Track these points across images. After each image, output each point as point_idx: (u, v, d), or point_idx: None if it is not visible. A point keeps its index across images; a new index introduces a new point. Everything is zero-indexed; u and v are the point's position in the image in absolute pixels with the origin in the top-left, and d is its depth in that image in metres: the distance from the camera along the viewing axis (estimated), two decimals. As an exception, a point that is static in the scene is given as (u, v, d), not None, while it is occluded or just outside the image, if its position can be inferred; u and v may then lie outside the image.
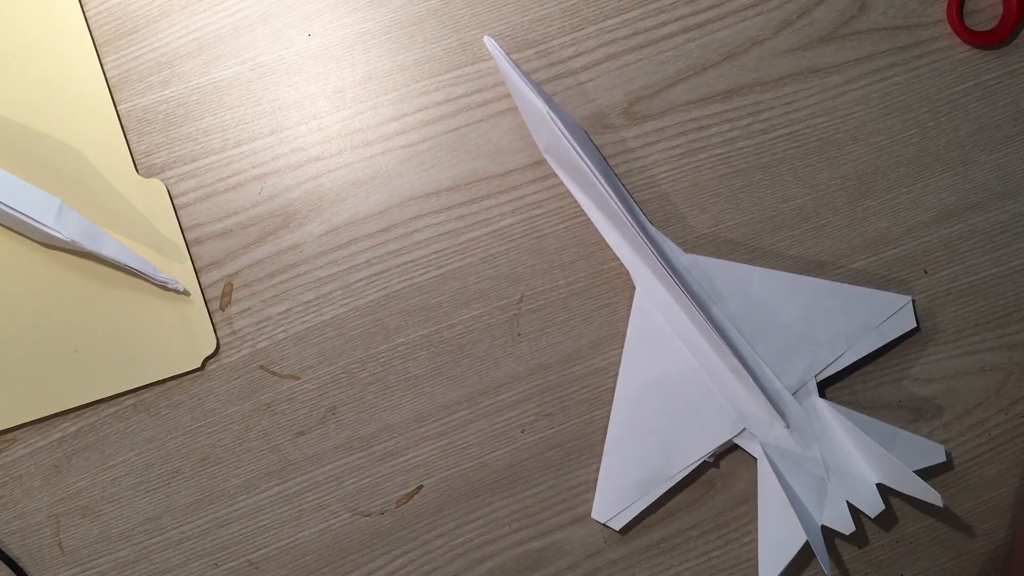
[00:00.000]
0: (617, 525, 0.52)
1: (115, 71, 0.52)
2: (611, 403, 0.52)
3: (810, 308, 0.52)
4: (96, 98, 0.51)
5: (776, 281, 0.52)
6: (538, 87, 0.51)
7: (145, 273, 0.50)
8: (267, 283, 0.52)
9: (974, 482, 0.54)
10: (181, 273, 0.51)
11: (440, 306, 0.53)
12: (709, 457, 0.52)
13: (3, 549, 0.50)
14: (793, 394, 0.51)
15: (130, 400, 0.51)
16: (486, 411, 0.53)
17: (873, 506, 0.51)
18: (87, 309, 0.50)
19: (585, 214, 0.53)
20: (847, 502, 0.51)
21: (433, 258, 0.53)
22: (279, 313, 0.52)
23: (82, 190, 0.51)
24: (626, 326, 0.52)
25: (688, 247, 0.53)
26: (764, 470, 0.51)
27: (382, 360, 0.52)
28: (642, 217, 0.53)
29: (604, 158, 0.53)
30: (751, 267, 0.52)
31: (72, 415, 0.51)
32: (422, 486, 0.52)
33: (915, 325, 0.53)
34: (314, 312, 0.52)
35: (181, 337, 0.51)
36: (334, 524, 0.52)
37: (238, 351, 0.52)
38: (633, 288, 0.52)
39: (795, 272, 0.53)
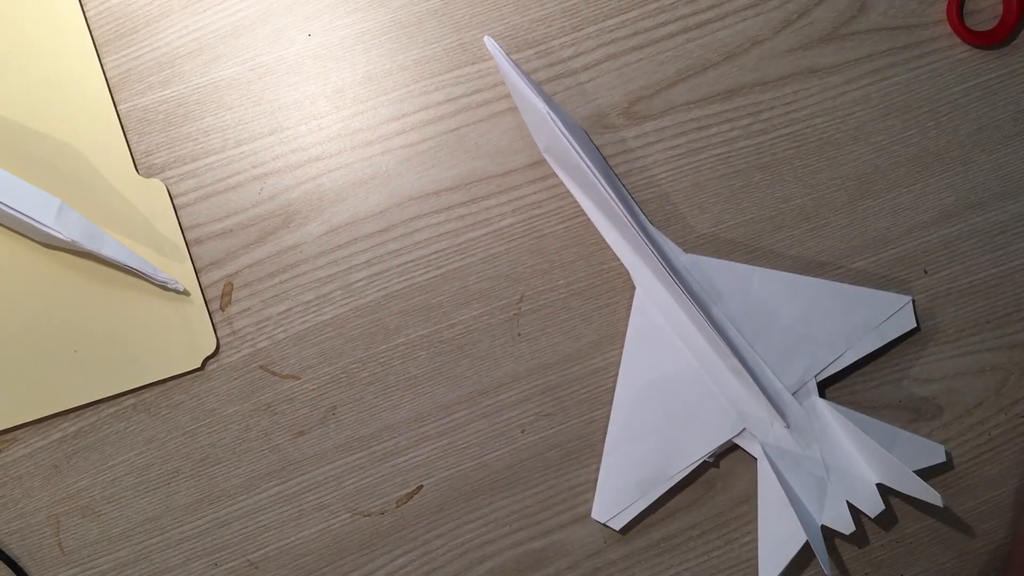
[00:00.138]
0: (617, 525, 0.52)
1: (115, 71, 0.52)
2: (611, 403, 0.52)
3: (810, 308, 0.52)
4: (96, 98, 0.51)
5: (776, 281, 0.52)
6: (538, 87, 0.51)
7: (145, 273, 0.50)
8: (267, 283, 0.52)
9: (974, 482, 0.54)
10: (181, 273, 0.51)
11: (440, 306, 0.53)
12: (709, 457, 0.52)
13: (3, 549, 0.50)
14: (793, 394, 0.51)
15: (130, 400, 0.51)
16: (486, 411, 0.53)
17: (873, 506, 0.51)
18: (87, 309, 0.50)
19: (585, 214, 0.53)
20: (847, 502, 0.51)
21: (433, 258, 0.53)
22: (279, 313, 0.52)
23: (82, 190, 0.51)
24: (626, 326, 0.52)
25: (688, 247, 0.53)
26: (764, 470, 0.51)
27: (382, 360, 0.52)
28: (642, 217, 0.53)
29: (604, 158, 0.53)
30: (751, 267, 0.52)
31: (72, 415, 0.51)
32: (422, 486, 0.52)
33: (915, 325, 0.53)
34: (314, 312, 0.52)
35: (181, 337, 0.51)
36: (334, 524, 0.52)
37: (238, 351, 0.52)
38: (633, 288, 0.52)
39: (795, 272, 0.53)
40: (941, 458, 0.52)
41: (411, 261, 0.52)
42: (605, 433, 0.52)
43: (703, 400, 0.51)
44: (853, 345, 0.52)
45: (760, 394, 0.50)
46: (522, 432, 0.53)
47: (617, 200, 0.48)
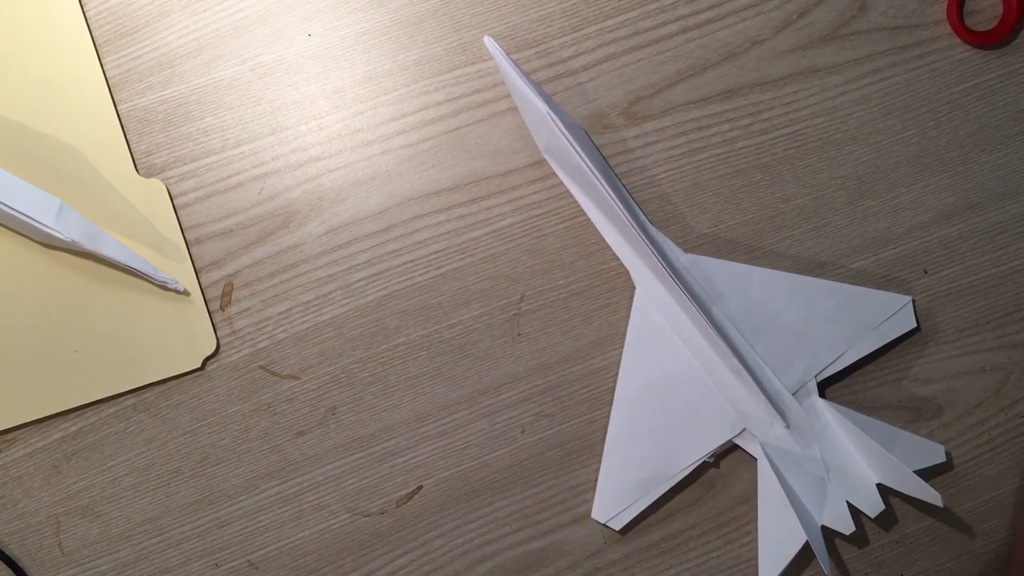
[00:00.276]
0: (617, 525, 0.52)
1: (115, 71, 0.52)
2: (611, 403, 0.52)
3: (810, 308, 0.52)
4: (96, 98, 0.51)
5: (776, 281, 0.52)
6: (538, 87, 0.51)
7: (145, 273, 0.50)
8: (267, 283, 0.52)
9: (974, 482, 0.54)
10: (181, 273, 0.51)
11: (440, 306, 0.53)
12: (709, 457, 0.52)
13: (3, 549, 0.50)
14: (793, 394, 0.51)
15: (130, 400, 0.51)
16: (486, 411, 0.53)
17: (873, 506, 0.51)
18: (87, 309, 0.50)
19: (585, 214, 0.53)
20: (847, 502, 0.51)
21: (433, 258, 0.53)
22: (279, 313, 0.52)
23: (82, 190, 0.51)
24: (626, 326, 0.52)
25: (688, 247, 0.53)
26: (764, 470, 0.51)
27: (382, 360, 0.52)
28: (642, 217, 0.53)
29: (604, 158, 0.53)
30: (751, 267, 0.52)
31: (72, 415, 0.51)
32: (422, 486, 0.52)
33: (915, 325, 0.53)
34: (314, 312, 0.52)
35: (181, 337, 0.51)
36: (334, 524, 0.52)
37: (238, 351, 0.52)
38: (633, 288, 0.52)
39: (795, 272, 0.53)
40: (941, 458, 0.52)
41: (411, 261, 0.52)
42: (605, 433, 0.52)
43: (703, 400, 0.51)
44: (853, 345, 0.52)
45: (760, 394, 0.50)
46: (522, 432, 0.53)
47: (617, 200, 0.48)
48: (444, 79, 0.53)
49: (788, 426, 0.51)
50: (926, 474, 0.52)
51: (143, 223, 0.51)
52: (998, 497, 0.54)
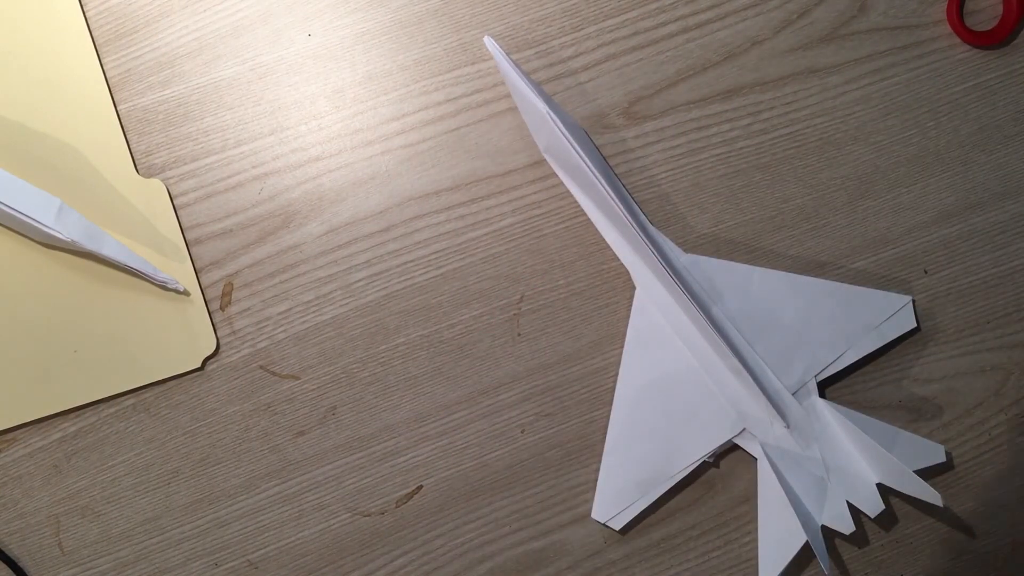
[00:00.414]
0: (617, 525, 0.52)
1: (115, 71, 0.52)
2: (611, 403, 0.52)
3: (810, 308, 0.52)
4: (96, 98, 0.51)
5: (776, 281, 0.52)
6: (538, 87, 0.51)
7: (145, 273, 0.50)
8: (267, 283, 0.52)
9: (974, 482, 0.54)
10: (181, 273, 0.51)
11: (440, 306, 0.53)
12: (709, 457, 0.52)
13: (3, 549, 0.50)
14: (793, 394, 0.51)
15: (130, 400, 0.51)
16: (486, 411, 0.53)
17: (873, 506, 0.51)
18: (87, 309, 0.50)
19: (585, 214, 0.53)
20: (847, 502, 0.51)
21: (433, 258, 0.53)
22: (279, 313, 0.52)
23: (82, 190, 0.51)
24: (626, 326, 0.52)
25: (688, 247, 0.53)
26: (764, 470, 0.51)
27: (382, 360, 0.52)
28: (642, 217, 0.53)
29: (604, 158, 0.53)
30: (751, 267, 0.52)
31: (72, 415, 0.51)
32: (422, 486, 0.52)
33: (915, 325, 0.53)
34: (314, 312, 0.52)
35: (181, 337, 0.51)
36: (334, 524, 0.52)
37: (238, 351, 0.52)
38: (633, 288, 0.52)
39: (795, 272, 0.53)
40: (941, 458, 0.52)
41: (411, 261, 0.52)
42: (605, 433, 0.52)
43: (703, 400, 0.51)
44: (853, 345, 0.52)
45: (760, 394, 0.50)
46: (522, 432, 0.53)
47: (617, 200, 0.48)
48: (444, 79, 0.53)
49: (788, 426, 0.51)
50: (926, 474, 0.52)
51: (143, 223, 0.51)
52: (998, 497, 0.54)
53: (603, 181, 0.48)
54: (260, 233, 0.52)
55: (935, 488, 0.49)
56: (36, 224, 0.48)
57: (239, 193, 0.52)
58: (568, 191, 0.53)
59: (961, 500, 0.54)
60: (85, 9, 0.52)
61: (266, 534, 0.51)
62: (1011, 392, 0.54)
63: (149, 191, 0.51)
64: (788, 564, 0.50)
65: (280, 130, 0.52)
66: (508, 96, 0.53)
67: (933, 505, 0.50)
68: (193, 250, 0.52)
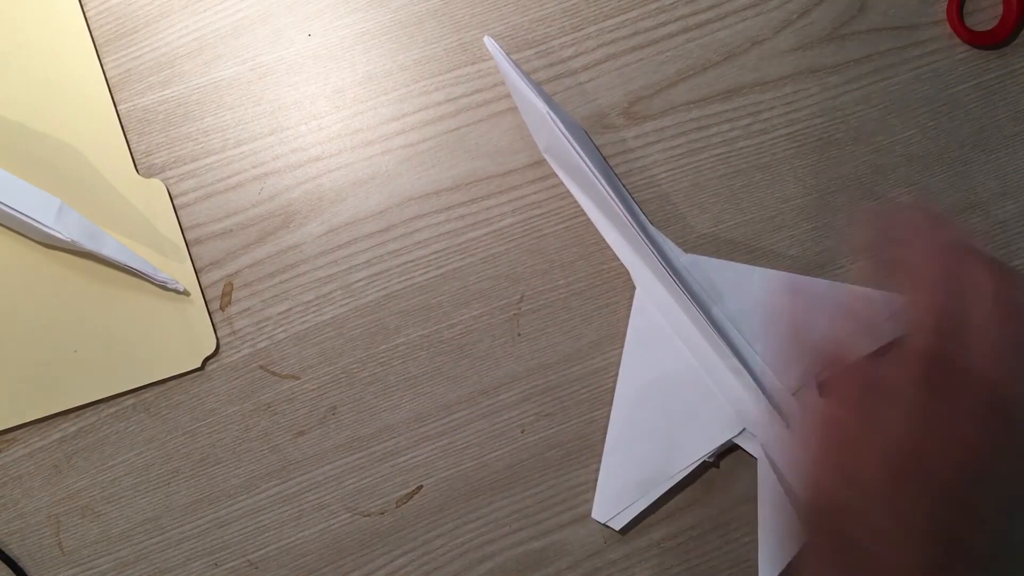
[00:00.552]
0: (617, 525, 0.52)
1: (115, 71, 0.52)
2: (611, 403, 0.52)
3: (810, 308, 0.52)
4: (96, 98, 0.51)
5: (776, 281, 0.52)
6: (538, 87, 0.51)
7: (145, 273, 0.50)
8: (267, 283, 0.52)
9: (974, 482, 0.54)
10: (181, 273, 0.51)
11: (440, 306, 0.53)
12: (709, 457, 0.52)
13: (3, 549, 0.50)
14: (793, 394, 0.51)
15: (130, 400, 0.51)
16: (486, 411, 0.53)
17: (873, 506, 0.51)
18: (87, 309, 0.50)
19: (585, 214, 0.53)
20: (847, 502, 0.51)
21: (433, 258, 0.53)
22: (279, 313, 0.52)
23: (82, 190, 0.51)
24: (626, 326, 0.52)
25: (688, 247, 0.53)
26: (764, 470, 0.51)
27: (382, 360, 0.52)
28: (642, 217, 0.53)
29: (604, 158, 0.53)
30: (751, 267, 0.52)
31: (72, 415, 0.51)
32: (422, 486, 0.52)
33: (915, 325, 0.53)
34: (314, 312, 0.52)
35: (181, 337, 0.51)
36: (334, 524, 0.52)
37: (238, 351, 0.52)
38: (633, 288, 0.52)
39: (795, 272, 0.53)
40: (941, 458, 0.52)
41: (411, 261, 0.52)
42: (605, 433, 0.52)
43: (703, 400, 0.51)
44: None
45: (760, 394, 0.50)
46: (522, 432, 0.53)
47: (617, 200, 0.48)
48: (444, 79, 0.53)
49: (788, 426, 0.51)
50: (926, 474, 0.52)
51: (143, 223, 0.51)
52: (998, 497, 0.54)
53: (603, 181, 0.48)
54: (260, 233, 0.52)
55: (935, 488, 0.49)
56: (36, 224, 0.48)
57: (239, 193, 0.52)
58: (568, 191, 0.53)
59: (961, 500, 0.54)
60: (85, 9, 0.52)
61: (266, 534, 0.51)
62: (1011, 392, 0.54)
63: (149, 191, 0.51)
64: (788, 564, 0.50)
65: (280, 130, 0.52)
66: (508, 96, 0.53)
67: (933, 505, 0.50)
68: (193, 250, 0.52)
